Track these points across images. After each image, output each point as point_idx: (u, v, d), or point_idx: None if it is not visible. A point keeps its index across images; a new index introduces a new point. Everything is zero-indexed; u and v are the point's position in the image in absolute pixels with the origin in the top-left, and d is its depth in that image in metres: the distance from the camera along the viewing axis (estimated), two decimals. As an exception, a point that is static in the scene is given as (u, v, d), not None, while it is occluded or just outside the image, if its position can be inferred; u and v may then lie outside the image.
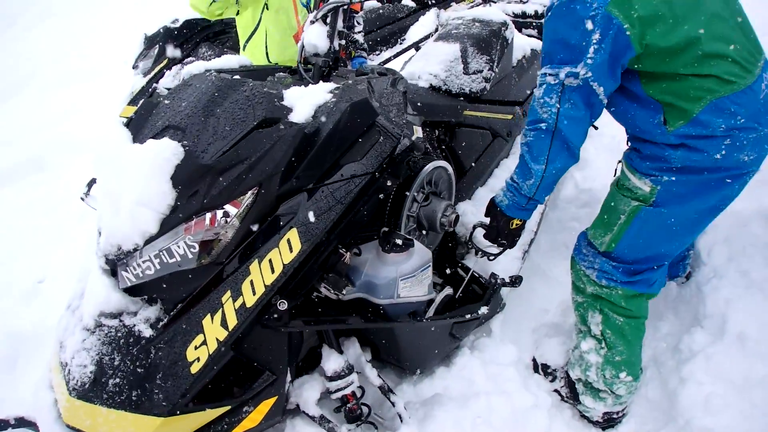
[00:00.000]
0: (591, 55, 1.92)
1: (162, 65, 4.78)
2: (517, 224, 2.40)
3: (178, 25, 4.99)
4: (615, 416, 2.57)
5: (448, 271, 2.87)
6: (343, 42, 2.51)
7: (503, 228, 2.40)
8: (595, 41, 1.90)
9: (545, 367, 2.83)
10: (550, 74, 2.02)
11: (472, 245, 2.67)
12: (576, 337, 2.62)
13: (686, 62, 1.92)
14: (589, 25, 1.89)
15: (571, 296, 2.59)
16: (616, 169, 2.44)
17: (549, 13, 2.01)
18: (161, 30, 5.00)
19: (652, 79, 2.01)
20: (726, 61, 1.92)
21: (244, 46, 3.68)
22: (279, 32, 3.60)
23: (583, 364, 2.53)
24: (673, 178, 2.09)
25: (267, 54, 3.62)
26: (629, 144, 2.32)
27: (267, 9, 3.54)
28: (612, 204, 2.30)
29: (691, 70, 1.93)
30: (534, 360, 2.88)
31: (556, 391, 2.75)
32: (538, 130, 2.07)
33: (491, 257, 2.69)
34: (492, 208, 2.40)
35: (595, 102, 2.02)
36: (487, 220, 2.48)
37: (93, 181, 2.71)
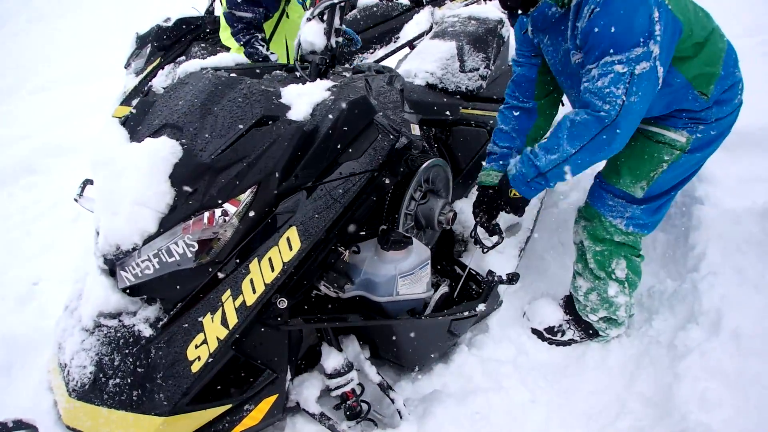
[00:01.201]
0: (658, 33, 1.96)
1: (154, 64, 4.77)
2: (515, 194, 2.39)
3: (170, 24, 4.97)
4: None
5: (445, 268, 2.87)
6: (341, 39, 2.50)
7: (503, 194, 2.44)
8: (656, 19, 1.96)
9: (550, 329, 2.92)
10: (618, 62, 1.99)
11: (474, 233, 2.67)
12: (588, 283, 2.74)
13: (702, 28, 2.16)
14: (646, 6, 1.95)
15: (587, 247, 2.67)
16: None
17: (603, 5, 1.98)
18: (153, 29, 4.98)
19: (681, 60, 2.15)
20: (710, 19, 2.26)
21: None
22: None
23: (612, 306, 2.72)
24: (707, 128, 2.32)
25: (288, 58, 3.61)
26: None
27: (287, 17, 3.53)
28: (647, 154, 2.39)
29: (708, 32, 2.19)
30: (535, 330, 2.96)
31: (571, 340, 2.92)
32: (595, 117, 2.05)
33: (485, 249, 2.70)
34: (502, 178, 2.45)
35: (655, 92, 2.07)
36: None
37: (86, 182, 2.69)
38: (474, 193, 3.19)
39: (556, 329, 2.92)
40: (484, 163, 2.69)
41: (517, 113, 2.62)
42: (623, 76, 1.98)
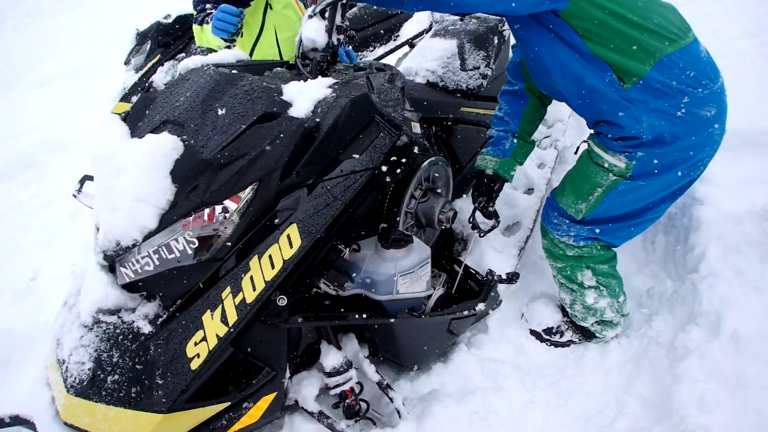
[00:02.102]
0: None
1: (154, 61, 4.76)
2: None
3: (170, 20, 4.96)
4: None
5: (445, 267, 2.87)
6: (342, 37, 2.49)
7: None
8: None
9: (549, 330, 2.92)
10: None
11: (472, 218, 2.66)
12: (569, 296, 2.75)
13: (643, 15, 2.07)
14: None
15: (550, 265, 2.70)
16: (578, 148, 2.56)
17: None
18: (153, 26, 4.97)
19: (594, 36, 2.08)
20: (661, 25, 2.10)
21: (252, 52, 3.63)
22: (289, 28, 3.56)
23: (597, 312, 2.70)
24: (647, 152, 2.19)
25: (280, 53, 3.59)
26: (594, 129, 2.39)
27: (271, 8, 3.50)
28: (587, 176, 2.35)
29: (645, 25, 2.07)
30: (533, 331, 2.95)
31: (569, 341, 2.91)
32: None
33: (482, 234, 2.70)
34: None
35: None
36: None
37: (85, 178, 2.68)
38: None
39: (554, 330, 2.91)
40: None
41: (509, 97, 2.66)
42: None
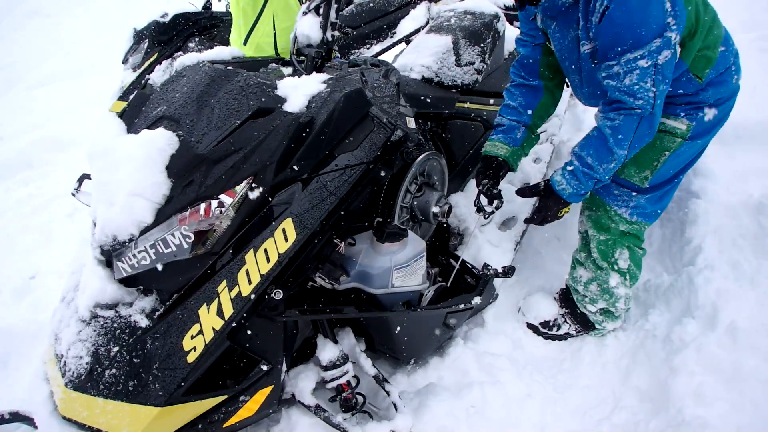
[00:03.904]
0: (673, 23, 2.00)
1: (152, 60, 4.76)
2: (567, 211, 2.49)
3: (167, 19, 4.97)
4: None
5: (441, 261, 2.87)
6: (337, 33, 2.50)
7: (554, 213, 2.47)
8: (668, 9, 1.98)
9: (545, 323, 2.93)
10: (641, 57, 2.02)
11: (477, 201, 2.65)
12: (589, 273, 2.76)
13: (704, 10, 2.19)
14: None
15: (591, 236, 2.68)
16: None
17: (616, 2, 1.99)
18: (151, 24, 4.98)
19: (683, 43, 2.16)
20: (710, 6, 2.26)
21: (246, 40, 3.62)
22: (289, 18, 3.55)
23: (612, 297, 2.73)
24: (707, 111, 2.33)
25: (276, 43, 3.58)
26: None
27: None
28: (650, 144, 2.34)
29: (710, 19, 2.22)
30: (530, 325, 2.96)
31: (567, 334, 2.93)
32: (630, 116, 2.12)
33: (486, 216, 2.71)
34: (548, 192, 2.42)
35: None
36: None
37: (84, 177, 2.69)
38: (469, 187, 3.22)
39: (551, 323, 2.93)
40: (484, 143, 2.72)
41: (524, 90, 2.65)
42: (648, 70, 2.02)
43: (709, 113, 2.34)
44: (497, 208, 2.65)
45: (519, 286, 3.19)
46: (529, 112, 2.63)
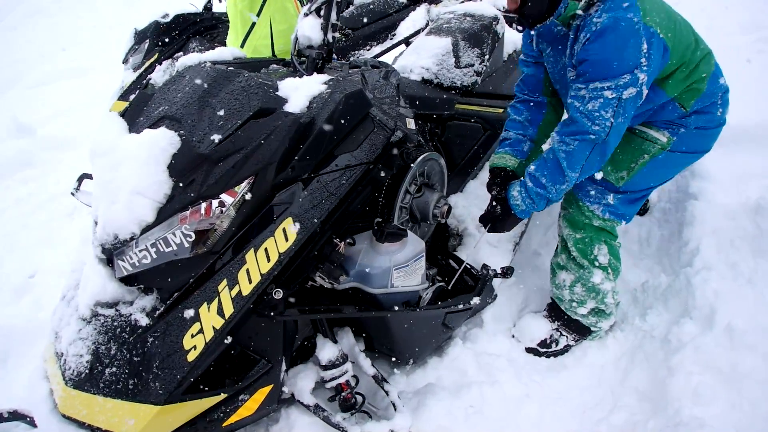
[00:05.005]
0: (645, 64, 2.14)
1: (152, 60, 4.77)
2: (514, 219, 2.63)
3: (168, 19, 4.98)
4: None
5: (440, 262, 2.88)
6: (337, 35, 2.51)
7: (508, 225, 2.66)
8: (644, 51, 2.13)
9: (543, 342, 2.90)
10: (608, 88, 2.16)
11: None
12: (572, 275, 2.79)
13: (693, 50, 2.33)
14: (637, 38, 2.12)
15: (567, 236, 2.77)
16: None
17: (597, 36, 2.15)
18: (151, 25, 4.99)
19: (665, 80, 2.33)
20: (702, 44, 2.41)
21: (243, 43, 3.62)
22: (285, 21, 3.55)
23: (599, 294, 2.76)
24: (687, 133, 2.48)
25: (273, 45, 3.58)
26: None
27: None
28: (630, 146, 2.53)
29: (698, 57, 2.34)
30: (529, 349, 2.92)
31: (567, 346, 2.91)
32: (584, 141, 2.25)
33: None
34: (503, 207, 2.60)
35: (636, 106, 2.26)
36: None
37: (84, 177, 2.70)
38: (468, 189, 3.23)
39: (548, 341, 2.90)
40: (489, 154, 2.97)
41: (531, 104, 2.75)
42: (611, 101, 2.17)
43: (691, 133, 2.48)
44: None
45: (517, 287, 3.19)
46: (535, 127, 2.73)
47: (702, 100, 2.41)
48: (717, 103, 2.46)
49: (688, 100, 2.39)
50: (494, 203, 2.65)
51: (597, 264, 2.72)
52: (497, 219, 2.62)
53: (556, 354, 2.91)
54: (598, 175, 2.57)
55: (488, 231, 2.69)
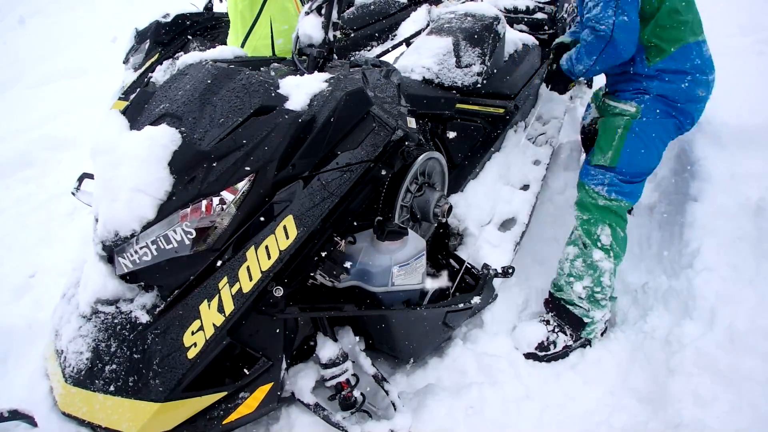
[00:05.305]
0: None
1: (153, 60, 4.76)
2: (573, 85, 3.25)
3: (169, 19, 4.98)
4: (606, 323, 3.01)
5: (441, 262, 2.88)
6: (338, 33, 2.52)
7: (559, 80, 3.20)
8: None
9: (541, 345, 2.90)
10: None
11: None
12: (575, 249, 2.92)
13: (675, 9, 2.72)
14: None
15: (576, 217, 2.97)
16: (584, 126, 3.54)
17: None
18: (152, 25, 4.99)
19: (645, 25, 2.72)
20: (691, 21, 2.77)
21: (243, 43, 3.62)
22: (285, 20, 3.55)
23: (596, 272, 2.86)
24: (652, 101, 2.80)
25: (273, 45, 3.58)
26: (607, 87, 3.12)
27: None
28: (607, 125, 2.92)
29: (676, 21, 2.71)
30: (528, 354, 2.91)
31: (566, 347, 2.92)
32: (596, 36, 2.70)
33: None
34: (557, 66, 3.15)
35: (637, 9, 2.66)
36: None
37: (84, 176, 2.69)
38: (468, 188, 3.23)
39: (546, 343, 2.89)
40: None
41: None
42: (610, 3, 2.61)
43: (655, 101, 2.80)
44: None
45: (518, 287, 3.19)
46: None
47: (667, 63, 2.75)
48: (685, 75, 2.75)
49: (654, 57, 2.77)
50: (553, 64, 3.21)
51: (599, 245, 2.84)
52: (553, 73, 3.22)
53: (556, 357, 2.90)
54: (592, 162, 2.92)
55: (549, 88, 3.29)
